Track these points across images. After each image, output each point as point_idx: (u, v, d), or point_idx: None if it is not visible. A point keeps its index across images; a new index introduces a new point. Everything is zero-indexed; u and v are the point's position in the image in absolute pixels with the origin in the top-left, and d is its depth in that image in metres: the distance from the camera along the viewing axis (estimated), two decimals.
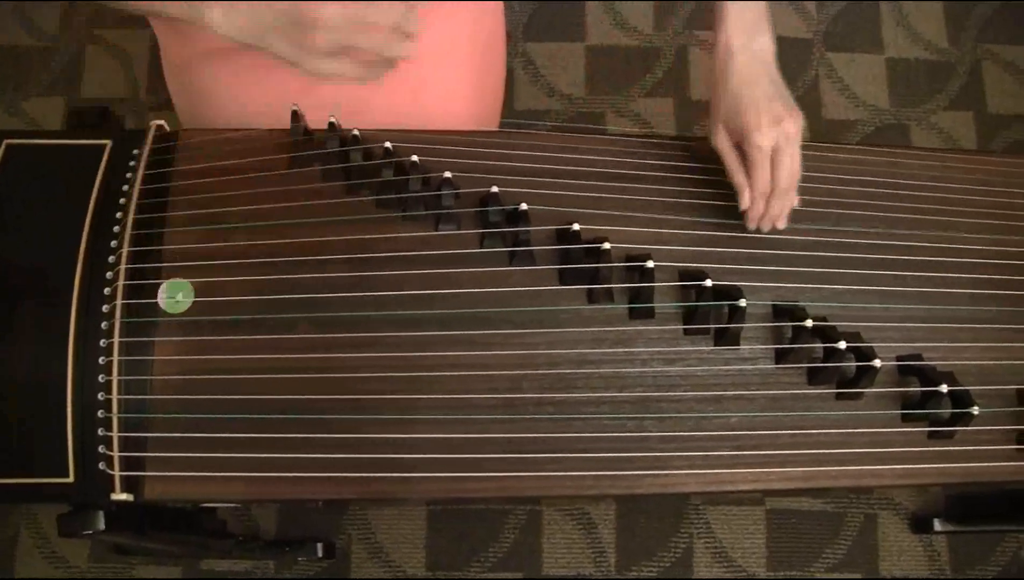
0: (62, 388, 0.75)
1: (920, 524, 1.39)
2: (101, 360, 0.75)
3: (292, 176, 0.84)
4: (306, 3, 0.73)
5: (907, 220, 0.88)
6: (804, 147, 0.79)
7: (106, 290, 0.77)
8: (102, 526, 0.76)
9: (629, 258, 0.81)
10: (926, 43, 1.71)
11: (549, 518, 1.38)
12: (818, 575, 1.38)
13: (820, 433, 0.78)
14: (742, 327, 0.78)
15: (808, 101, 1.65)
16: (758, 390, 0.79)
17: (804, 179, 0.81)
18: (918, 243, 0.87)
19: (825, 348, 0.78)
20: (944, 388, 0.77)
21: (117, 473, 0.73)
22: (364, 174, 0.83)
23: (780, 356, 0.80)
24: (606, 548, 1.37)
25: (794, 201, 0.81)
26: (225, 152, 0.84)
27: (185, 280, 0.78)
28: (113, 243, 0.79)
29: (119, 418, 0.74)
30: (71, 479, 0.74)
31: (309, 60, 0.77)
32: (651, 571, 1.37)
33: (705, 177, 0.87)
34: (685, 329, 0.80)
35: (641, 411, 0.77)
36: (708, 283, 0.77)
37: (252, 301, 0.77)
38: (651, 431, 0.77)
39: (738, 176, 0.78)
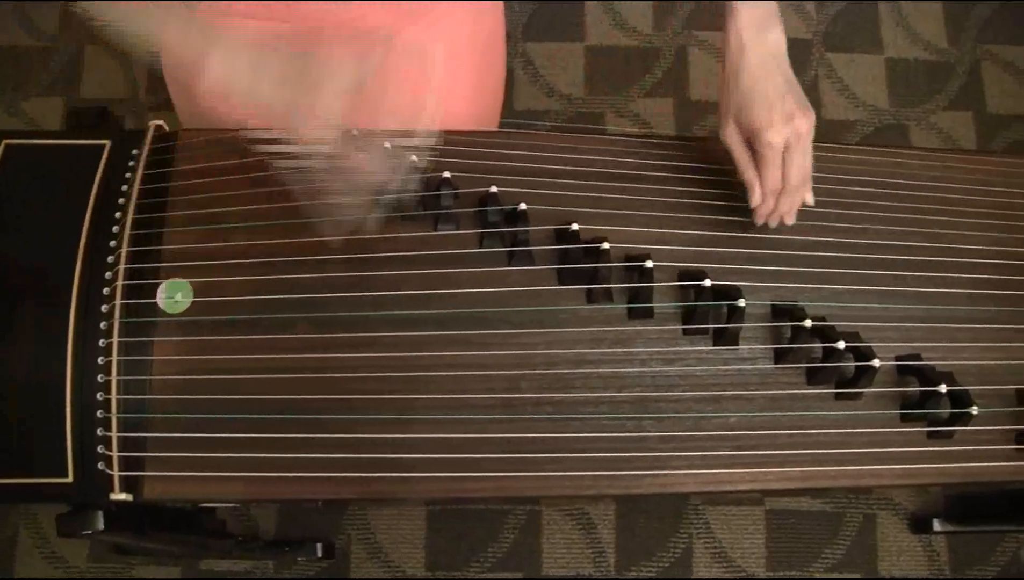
0: (61, 388, 0.75)
1: (919, 524, 1.39)
2: (100, 360, 0.75)
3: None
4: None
5: (906, 220, 0.88)
6: None
7: (105, 290, 0.77)
8: (101, 526, 0.76)
9: (628, 258, 0.81)
10: (925, 43, 1.71)
11: (548, 518, 1.38)
12: (817, 575, 1.38)
13: (819, 433, 0.78)
14: (741, 327, 0.78)
15: (808, 101, 1.64)
16: (757, 390, 0.79)
17: None
18: (917, 243, 0.87)
19: (824, 348, 0.78)
20: (943, 388, 0.77)
21: (116, 473, 0.73)
22: None
23: (779, 356, 0.80)
24: (605, 548, 1.37)
25: (809, 200, 0.81)
26: (224, 152, 0.84)
27: (184, 280, 0.78)
28: (112, 243, 0.79)
29: (118, 418, 0.74)
30: (70, 479, 0.74)
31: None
32: (650, 571, 1.37)
33: (705, 177, 0.87)
34: (684, 329, 0.80)
35: (640, 411, 0.77)
36: (707, 283, 0.77)
37: (251, 301, 0.77)
38: (650, 431, 0.77)
39: (748, 172, 0.78)
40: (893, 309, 0.84)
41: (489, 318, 0.78)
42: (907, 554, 1.39)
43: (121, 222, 0.79)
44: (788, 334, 0.80)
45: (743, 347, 0.80)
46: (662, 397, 0.78)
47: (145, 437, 0.75)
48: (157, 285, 0.78)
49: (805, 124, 0.75)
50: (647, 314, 0.80)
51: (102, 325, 0.76)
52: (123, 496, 0.74)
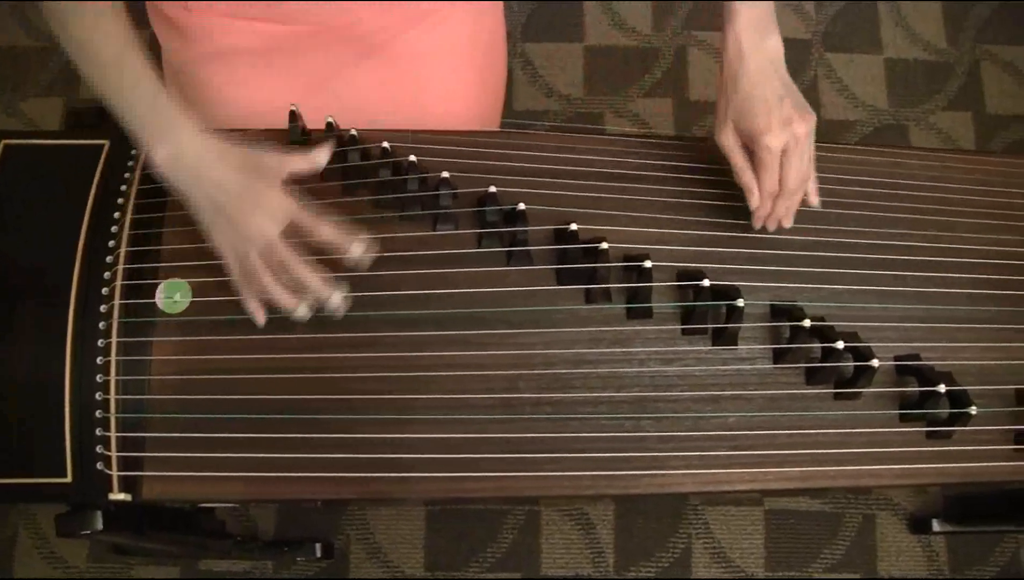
0: (60, 388, 0.75)
1: (918, 524, 1.39)
2: (99, 360, 0.75)
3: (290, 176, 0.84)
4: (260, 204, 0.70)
5: (905, 220, 0.88)
6: None
7: (104, 290, 0.77)
8: (100, 526, 0.76)
9: (627, 258, 0.81)
10: (925, 43, 1.71)
11: (548, 518, 1.38)
12: (816, 575, 1.38)
13: (818, 433, 0.78)
14: (740, 327, 0.78)
15: (807, 101, 1.64)
16: (756, 390, 0.79)
17: None
18: (916, 243, 0.87)
19: (823, 348, 0.78)
20: (942, 388, 0.77)
21: (115, 473, 0.73)
22: (362, 174, 0.83)
23: (778, 356, 0.80)
24: (604, 548, 1.37)
25: (814, 201, 0.81)
26: None
27: (183, 280, 0.78)
28: (111, 243, 0.79)
29: (117, 418, 0.74)
30: (69, 479, 0.74)
31: (226, 243, 0.72)
32: (649, 571, 1.37)
33: (704, 177, 0.87)
34: (683, 329, 0.80)
35: (639, 411, 0.77)
36: (706, 283, 0.77)
37: None
38: (649, 431, 0.77)
39: (745, 176, 0.78)
40: (892, 309, 0.84)
41: (488, 318, 0.78)
42: (906, 554, 1.39)
43: (120, 222, 0.79)
44: (787, 334, 0.80)
45: (742, 347, 0.80)
46: (661, 397, 0.78)
47: (144, 437, 0.75)
48: (156, 285, 0.78)
49: (803, 128, 0.75)
50: (646, 314, 0.80)
51: (101, 325, 0.76)
52: (122, 496, 0.74)
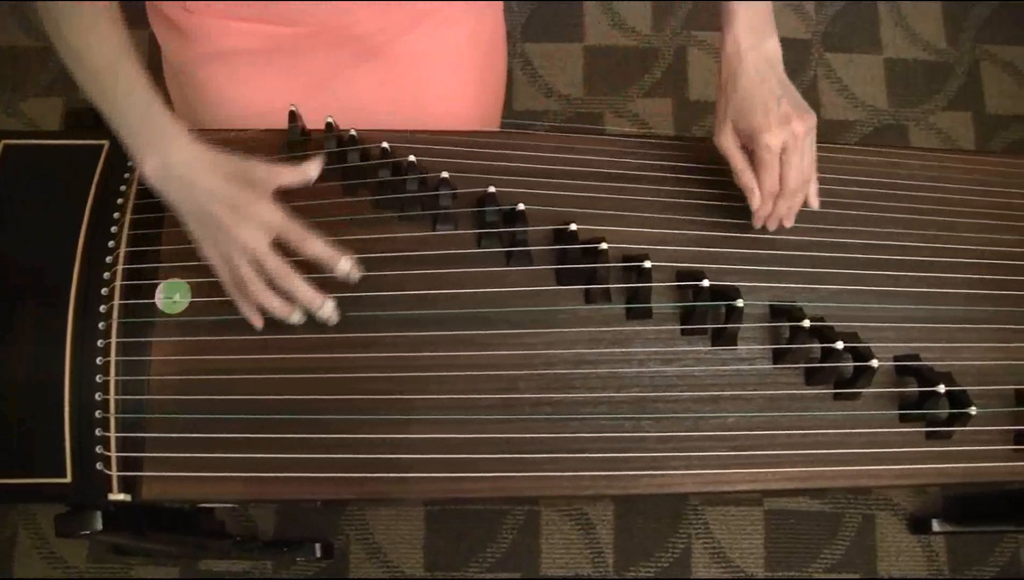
0: (59, 388, 0.75)
1: (918, 524, 1.39)
2: (98, 360, 0.75)
3: None
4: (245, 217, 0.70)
5: (905, 220, 0.88)
6: None
7: (103, 290, 0.77)
8: (100, 526, 0.76)
9: (626, 258, 0.81)
10: (924, 43, 1.71)
11: (547, 518, 1.38)
12: (816, 575, 1.38)
13: (818, 433, 0.78)
14: (739, 327, 0.78)
15: (807, 101, 1.64)
16: (755, 390, 0.79)
17: None
18: (916, 243, 0.87)
19: (823, 348, 0.78)
20: (942, 388, 0.77)
21: (114, 473, 0.73)
22: (361, 174, 0.83)
23: (777, 356, 0.80)
24: (604, 549, 1.37)
25: (813, 203, 0.81)
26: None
27: (182, 280, 0.78)
28: (111, 243, 0.79)
29: (116, 418, 0.74)
30: (68, 479, 0.74)
31: (216, 253, 0.72)
32: (649, 571, 1.37)
33: (703, 177, 0.87)
34: (682, 329, 0.80)
35: (638, 411, 0.77)
36: (705, 283, 0.77)
37: None
38: (648, 431, 0.77)
39: (745, 176, 0.78)
40: (891, 309, 0.84)
41: (487, 318, 0.78)
42: (906, 554, 1.39)
43: (120, 222, 0.79)
44: (786, 334, 0.80)
45: (741, 347, 0.80)
46: (660, 397, 0.78)
47: (143, 437, 0.75)
48: (155, 285, 0.78)
49: (802, 126, 0.75)
50: (645, 314, 0.80)
51: (100, 325, 0.76)
52: (121, 496, 0.74)
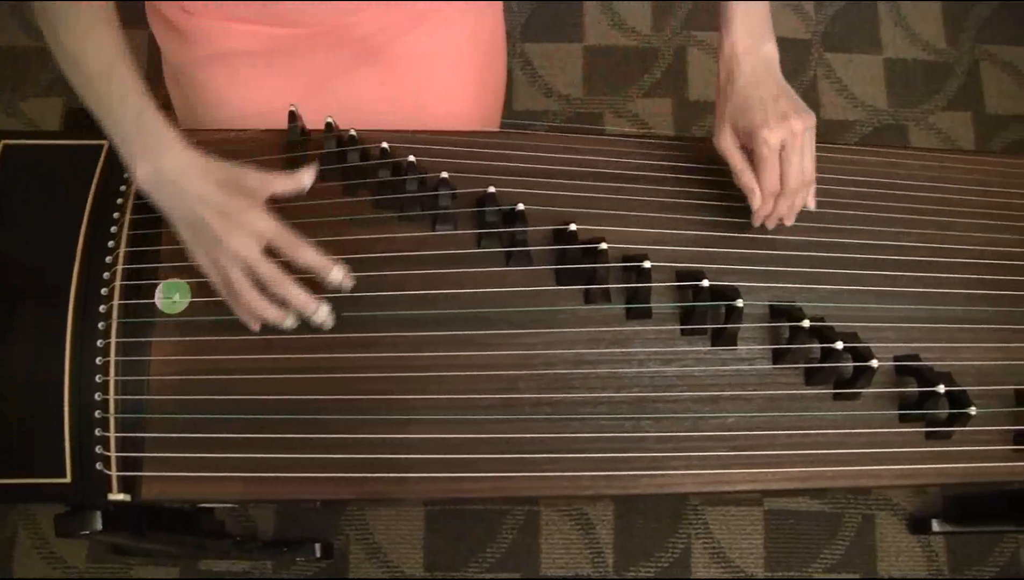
0: (59, 388, 0.75)
1: (918, 525, 1.39)
2: (98, 360, 0.75)
3: None
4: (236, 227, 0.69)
5: (904, 220, 0.88)
6: None
7: (103, 290, 0.77)
8: (99, 526, 0.76)
9: (626, 258, 0.81)
10: (924, 43, 1.71)
11: (547, 519, 1.38)
12: (816, 575, 1.38)
13: (817, 433, 0.78)
14: (739, 327, 0.78)
15: (806, 101, 1.61)
16: (755, 390, 0.79)
17: None
18: (916, 243, 0.87)
19: (822, 348, 0.78)
20: (941, 388, 0.77)
21: (114, 473, 0.73)
22: (361, 174, 0.83)
23: (777, 356, 0.80)
24: (604, 549, 1.37)
25: (810, 204, 0.81)
26: (222, 152, 0.83)
27: (182, 280, 0.78)
28: (110, 243, 0.79)
29: (116, 418, 0.74)
30: (68, 479, 0.74)
31: (207, 259, 0.72)
32: (649, 571, 1.37)
33: (703, 177, 0.87)
34: (682, 329, 0.80)
35: (638, 411, 0.77)
36: (705, 283, 0.77)
37: None
38: (648, 431, 0.77)
39: (745, 176, 0.78)
40: (891, 309, 0.84)
41: (487, 318, 0.78)
42: (906, 554, 1.39)
43: (119, 222, 0.79)
44: (786, 334, 0.80)
45: (741, 347, 0.80)
46: (660, 397, 0.78)
47: (143, 437, 0.75)
48: (155, 285, 0.78)
49: (799, 124, 0.75)
50: (645, 314, 0.80)
51: (100, 325, 0.76)
52: (121, 496, 0.74)
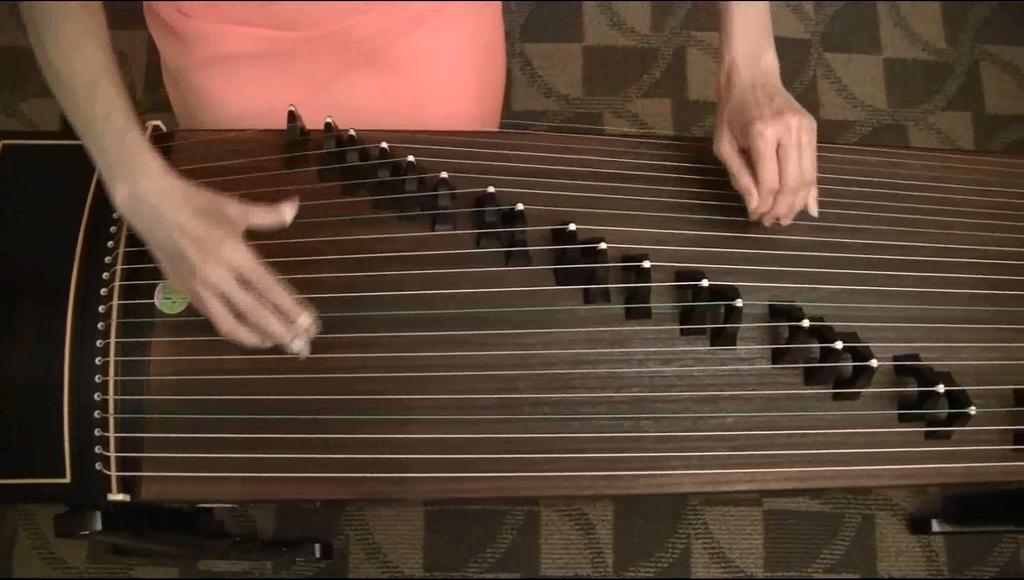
0: (58, 388, 0.75)
1: (918, 525, 1.39)
2: (97, 360, 0.75)
3: (288, 177, 0.84)
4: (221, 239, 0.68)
5: (904, 220, 0.88)
6: None
7: (103, 290, 0.77)
8: (99, 526, 0.76)
9: (625, 258, 0.81)
10: (924, 43, 1.71)
11: (547, 519, 1.38)
12: (816, 575, 1.38)
13: (817, 433, 0.78)
14: (738, 327, 0.78)
15: (806, 102, 1.63)
16: (755, 390, 0.79)
17: None
18: (915, 243, 0.87)
19: (822, 348, 0.78)
20: (941, 388, 0.77)
21: (113, 473, 0.73)
22: (360, 175, 0.83)
23: (777, 356, 0.80)
24: (604, 549, 1.37)
25: (812, 211, 0.80)
26: (222, 153, 0.84)
27: None
28: (110, 244, 0.79)
29: (115, 418, 0.74)
30: (68, 479, 0.74)
31: (183, 285, 0.71)
32: (649, 572, 1.37)
33: (703, 177, 0.87)
34: (682, 329, 0.80)
35: (637, 411, 0.77)
36: (705, 283, 0.77)
37: None
38: (647, 431, 0.77)
39: (743, 179, 0.77)
40: (891, 309, 0.84)
41: (486, 318, 0.78)
42: (906, 554, 1.39)
43: (119, 222, 0.79)
44: (786, 334, 0.80)
45: (741, 347, 0.80)
46: (659, 397, 0.78)
47: (142, 437, 0.75)
48: (154, 285, 0.78)
49: (795, 120, 0.74)
50: (645, 314, 0.80)
51: (99, 325, 0.76)
52: (120, 496, 0.74)
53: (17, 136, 0.85)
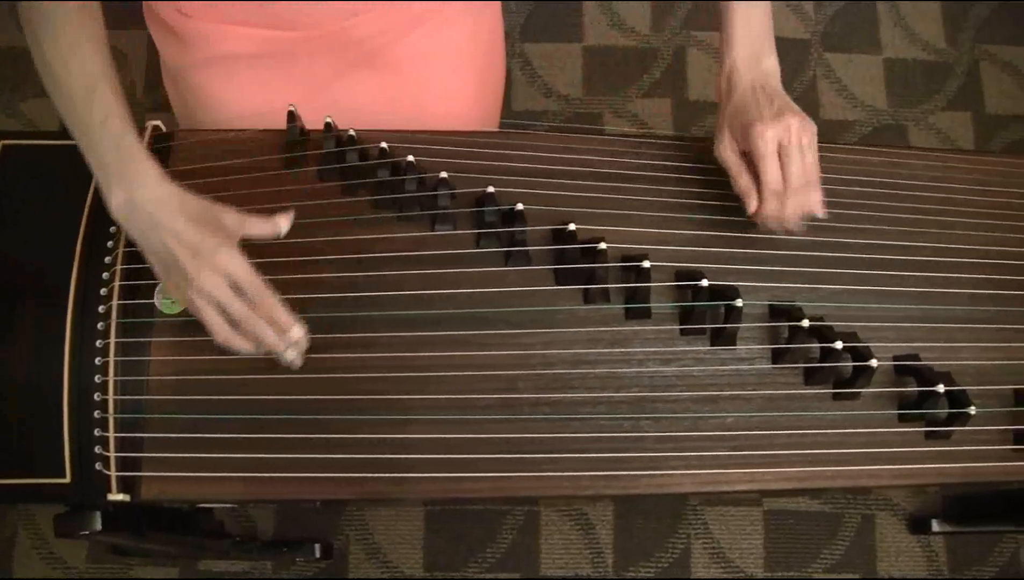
0: (58, 388, 0.75)
1: (918, 525, 1.39)
2: (97, 360, 0.75)
3: (288, 177, 0.84)
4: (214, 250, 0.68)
5: (904, 220, 0.88)
6: None
7: (102, 290, 0.77)
8: (99, 526, 0.76)
9: (625, 258, 0.81)
10: (924, 43, 1.71)
11: (547, 519, 1.38)
12: (816, 575, 1.38)
13: (817, 433, 0.78)
14: (738, 327, 0.78)
15: (806, 102, 1.65)
16: (755, 390, 0.79)
17: None
18: (915, 243, 0.87)
19: (822, 348, 0.78)
20: (941, 388, 0.77)
21: (113, 473, 0.73)
22: (360, 174, 0.83)
23: (777, 356, 0.80)
24: (604, 549, 1.37)
25: (820, 212, 0.78)
26: (221, 153, 0.84)
27: None
28: (109, 244, 0.79)
29: (115, 418, 0.74)
30: (67, 479, 0.74)
31: (179, 293, 0.71)
32: (649, 572, 1.37)
33: (702, 177, 0.87)
34: (681, 329, 0.80)
35: (637, 411, 0.77)
36: (704, 283, 0.77)
37: None
38: (647, 431, 0.77)
39: (742, 181, 0.77)
40: (891, 309, 0.84)
41: (486, 318, 0.78)
42: (906, 554, 1.39)
43: None
44: (786, 334, 0.80)
45: (740, 347, 0.80)
46: (659, 397, 0.78)
47: (142, 437, 0.75)
48: (154, 286, 0.78)
49: (795, 121, 0.74)
50: (644, 314, 0.80)
51: (99, 325, 0.76)
52: (120, 496, 0.74)
53: (17, 136, 0.85)
